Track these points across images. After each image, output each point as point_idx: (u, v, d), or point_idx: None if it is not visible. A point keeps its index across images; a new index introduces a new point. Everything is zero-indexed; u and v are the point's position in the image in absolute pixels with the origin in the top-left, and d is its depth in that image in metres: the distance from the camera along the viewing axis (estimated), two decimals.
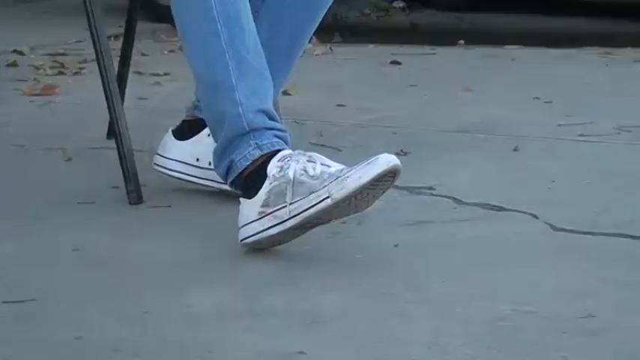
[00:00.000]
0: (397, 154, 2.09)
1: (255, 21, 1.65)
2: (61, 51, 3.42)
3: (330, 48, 3.63)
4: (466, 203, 1.80)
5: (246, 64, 1.57)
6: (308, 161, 1.52)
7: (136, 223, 1.72)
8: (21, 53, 3.34)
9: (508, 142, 2.22)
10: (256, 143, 1.55)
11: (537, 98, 2.72)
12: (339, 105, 2.64)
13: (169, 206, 1.80)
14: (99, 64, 1.87)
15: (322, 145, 2.19)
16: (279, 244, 1.56)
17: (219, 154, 1.60)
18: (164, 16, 4.16)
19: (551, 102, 2.68)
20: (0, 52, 3.32)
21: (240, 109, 1.56)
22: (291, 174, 1.50)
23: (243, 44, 1.58)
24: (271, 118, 1.58)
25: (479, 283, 1.45)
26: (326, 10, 1.84)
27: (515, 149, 2.17)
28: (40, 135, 2.26)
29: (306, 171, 1.50)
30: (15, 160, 2.08)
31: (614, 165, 2.05)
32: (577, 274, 1.48)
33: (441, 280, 1.46)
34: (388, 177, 1.47)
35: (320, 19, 1.84)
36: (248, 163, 1.56)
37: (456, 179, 1.95)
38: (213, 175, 1.70)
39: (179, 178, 1.86)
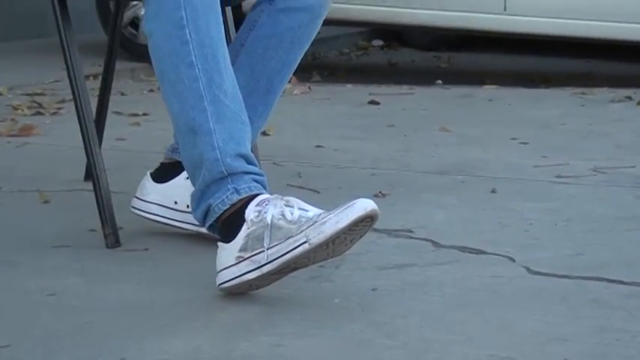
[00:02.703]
0: (375, 196, 2.12)
1: (233, 64, 1.66)
2: (40, 91, 3.43)
3: (309, 87, 3.65)
4: (444, 246, 1.80)
5: (224, 108, 1.58)
6: (286, 206, 1.52)
7: (113, 267, 1.70)
8: None
9: (486, 184, 2.24)
10: (234, 187, 1.55)
11: (514, 139, 2.74)
12: (317, 146, 2.65)
13: (146, 249, 1.79)
14: (76, 105, 1.86)
15: (300, 187, 2.19)
16: (257, 288, 1.55)
17: (197, 198, 1.59)
18: (143, 55, 4.18)
19: (527, 143, 2.70)
20: None
21: (218, 154, 1.56)
22: (268, 218, 1.50)
23: (221, 88, 1.58)
24: (249, 162, 1.58)
25: (456, 327, 1.45)
26: (304, 53, 1.85)
27: (493, 191, 2.18)
28: (17, 177, 2.25)
29: (283, 215, 1.50)
30: None
31: (590, 207, 2.07)
32: (553, 318, 1.48)
33: (419, 325, 1.46)
34: (366, 221, 1.48)
35: (298, 62, 1.86)
36: (226, 207, 1.55)
37: (434, 222, 1.95)
38: (191, 218, 1.70)
39: (157, 221, 1.86)
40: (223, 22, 1.63)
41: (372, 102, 3.34)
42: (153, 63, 1.63)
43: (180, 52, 1.57)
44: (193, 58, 1.57)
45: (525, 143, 2.69)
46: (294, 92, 3.49)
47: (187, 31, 1.57)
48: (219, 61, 1.59)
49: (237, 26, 1.93)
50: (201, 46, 1.58)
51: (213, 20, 1.60)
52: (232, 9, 2.04)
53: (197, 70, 1.57)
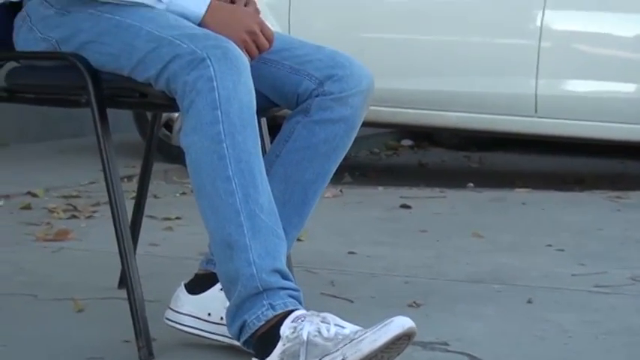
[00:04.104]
0: (410, 306, 2.09)
1: (268, 175, 1.67)
2: (75, 193, 3.46)
3: (341, 190, 3.66)
4: None
5: (259, 224, 1.58)
6: (322, 322, 1.50)
7: None
8: (35, 195, 3.38)
9: (522, 294, 2.20)
10: (270, 303, 1.54)
11: (550, 245, 2.71)
12: (350, 252, 2.64)
13: None
14: (112, 210, 1.84)
15: (334, 296, 2.17)
16: None
17: (232, 313, 1.58)
18: (176, 156, 4.24)
19: (563, 250, 2.67)
20: (15, 194, 3.36)
21: (254, 269, 1.55)
22: (304, 335, 1.49)
23: (257, 203, 1.59)
24: (285, 278, 1.57)
25: None
26: (339, 163, 1.86)
27: (529, 301, 2.15)
28: (53, 284, 2.25)
29: (320, 332, 1.48)
30: (26, 311, 2.06)
31: (631, 318, 2.02)
32: None
33: None
34: (403, 339, 1.46)
35: (333, 173, 1.86)
36: (261, 323, 1.54)
37: (470, 334, 1.92)
38: (225, 330, 1.69)
39: (191, 333, 1.84)
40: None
41: (404, 206, 3.33)
42: (190, 177, 1.64)
43: (218, 167, 1.59)
44: (230, 173, 1.59)
45: (561, 250, 2.66)
46: (326, 195, 3.50)
47: (225, 145, 1.59)
48: (256, 176, 1.60)
49: (272, 137, 1.94)
50: (238, 160, 1.59)
51: (251, 134, 1.61)
52: (267, 120, 2.07)
53: (234, 185, 1.58)
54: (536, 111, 3.93)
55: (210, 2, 1.72)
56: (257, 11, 1.77)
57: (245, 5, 1.79)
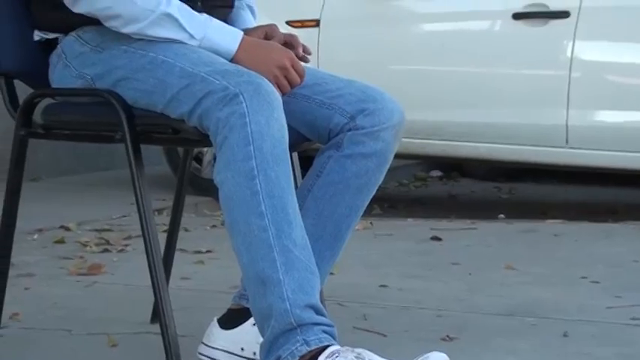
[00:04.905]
0: (443, 340, 2.07)
1: (300, 210, 1.67)
2: (107, 226, 3.48)
3: (371, 223, 3.65)
4: None
5: (293, 259, 1.58)
6: (356, 358, 1.50)
7: None
8: (68, 229, 3.40)
9: (557, 327, 2.18)
10: (304, 339, 1.54)
11: (584, 278, 2.68)
12: (381, 285, 2.62)
13: None
14: (145, 244, 1.84)
15: (366, 330, 2.16)
16: None
17: (266, 349, 1.58)
18: (206, 189, 4.25)
19: (598, 282, 2.64)
20: (48, 228, 3.38)
21: (288, 305, 1.55)
22: None
23: (290, 238, 1.59)
24: (318, 313, 1.57)
25: None
26: (371, 197, 1.86)
27: (565, 335, 2.12)
28: (87, 319, 2.26)
29: None
30: (61, 346, 2.07)
31: None
32: None
33: None
34: None
35: (365, 207, 1.86)
36: (295, 359, 1.54)
37: None
38: None
39: None
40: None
41: (435, 238, 3.32)
42: (223, 213, 1.65)
43: (251, 203, 1.59)
44: (263, 209, 1.59)
45: (596, 282, 2.63)
46: (356, 227, 3.46)
47: (257, 181, 1.59)
48: (289, 212, 1.60)
49: (304, 171, 1.95)
50: (271, 196, 1.59)
51: (283, 170, 1.61)
52: (299, 154, 2.07)
53: (267, 221, 1.58)
54: (567, 142, 3.91)
55: (242, 38, 1.73)
56: (298, 42, 1.78)
57: (266, 37, 1.80)
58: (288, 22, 4.13)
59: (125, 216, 3.67)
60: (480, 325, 2.23)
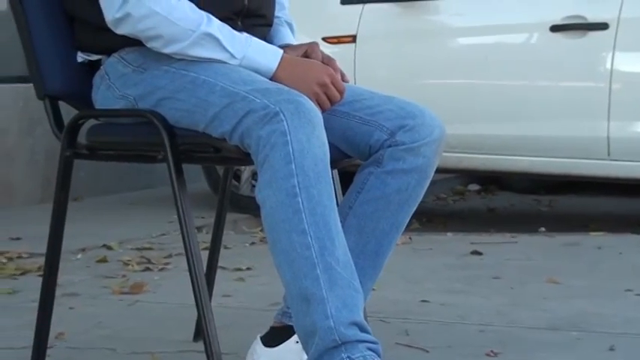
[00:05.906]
0: (487, 355, 2.06)
1: (342, 226, 1.67)
2: (148, 245, 3.50)
3: (410, 237, 3.64)
4: None
5: (336, 276, 1.58)
6: None
7: None
8: (110, 248, 3.43)
9: (603, 341, 2.15)
10: (348, 357, 1.54)
11: (629, 290, 2.65)
12: (422, 300, 2.61)
13: None
14: (188, 262, 1.84)
15: (409, 346, 2.15)
16: None
17: None
18: (245, 206, 4.26)
19: None
20: (91, 248, 3.42)
21: (332, 322, 1.55)
22: None
23: (333, 256, 1.59)
24: (363, 330, 1.56)
25: None
26: (412, 213, 1.85)
27: (612, 348, 2.10)
28: (130, 338, 2.28)
29: None
30: None
31: None
32: None
33: None
34: None
35: (406, 223, 1.85)
36: None
37: None
38: None
39: None
40: None
41: (475, 252, 3.30)
42: (266, 231, 1.65)
43: (293, 221, 1.59)
44: (306, 226, 1.59)
45: None
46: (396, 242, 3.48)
47: (300, 199, 1.59)
48: (331, 229, 1.60)
49: (344, 188, 1.95)
50: (314, 213, 1.59)
51: (325, 187, 1.62)
52: (339, 171, 2.07)
53: (309, 238, 1.58)
54: (609, 154, 3.87)
55: (282, 57, 1.74)
56: (336, 67, 1.78)
57: (305, 55, 1.80)
58: (324, 39, 4.14)
59: (164, 234, 3.69)
60: (523, 339, 2.21)
